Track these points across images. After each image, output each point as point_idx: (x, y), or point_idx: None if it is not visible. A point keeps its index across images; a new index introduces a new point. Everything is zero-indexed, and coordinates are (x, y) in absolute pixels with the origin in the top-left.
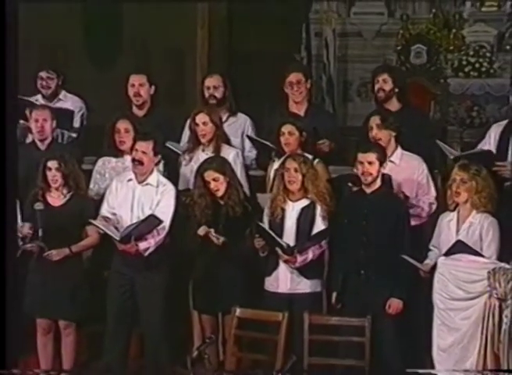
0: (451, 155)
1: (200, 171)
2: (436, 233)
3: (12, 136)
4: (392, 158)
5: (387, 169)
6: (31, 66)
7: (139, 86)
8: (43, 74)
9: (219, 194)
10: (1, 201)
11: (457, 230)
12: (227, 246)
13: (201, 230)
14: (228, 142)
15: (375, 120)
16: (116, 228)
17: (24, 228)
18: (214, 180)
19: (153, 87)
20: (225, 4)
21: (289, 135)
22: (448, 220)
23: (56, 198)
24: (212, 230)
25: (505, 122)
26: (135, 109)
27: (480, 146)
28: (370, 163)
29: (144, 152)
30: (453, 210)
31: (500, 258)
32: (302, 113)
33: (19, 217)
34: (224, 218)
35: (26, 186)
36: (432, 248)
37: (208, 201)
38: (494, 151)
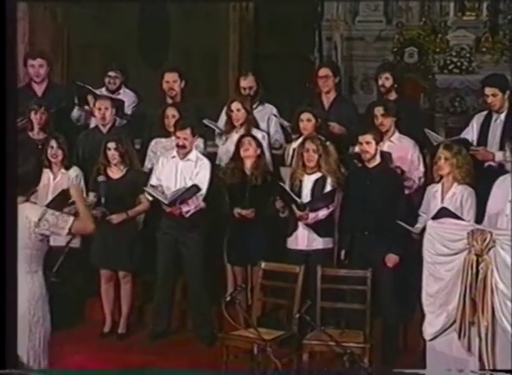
0: (435, 141)
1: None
2: (425, 201)
3: (12, 130)
4: (392, 139)
5: (386, 147)
6: (96, 64)
7: (172, 82)
8: (111, 73)
9: (249, 162)
10: (1, 196)
11: (442, 199)
12: (254, 211)
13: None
14: (257, 126)
15: (379, 110)
16: (163, 194)
17: (90, 197)
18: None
19: (183, 82)
20: (253, 14)
21: (307, 122)
22: (434, 191)
23: (115, 172)
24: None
25: (485, 113)
26: (169, 100)
27: (464, 133)
28: (367, 143)
29: (185, 139)
30: (438, 182)
31: (477, 221)
32: (330, 101)
33: (84, 188)
34: (250, 187)
35: (91, 163)
36: (421, 213)
37: (238, 173)
38: (476, 137)
